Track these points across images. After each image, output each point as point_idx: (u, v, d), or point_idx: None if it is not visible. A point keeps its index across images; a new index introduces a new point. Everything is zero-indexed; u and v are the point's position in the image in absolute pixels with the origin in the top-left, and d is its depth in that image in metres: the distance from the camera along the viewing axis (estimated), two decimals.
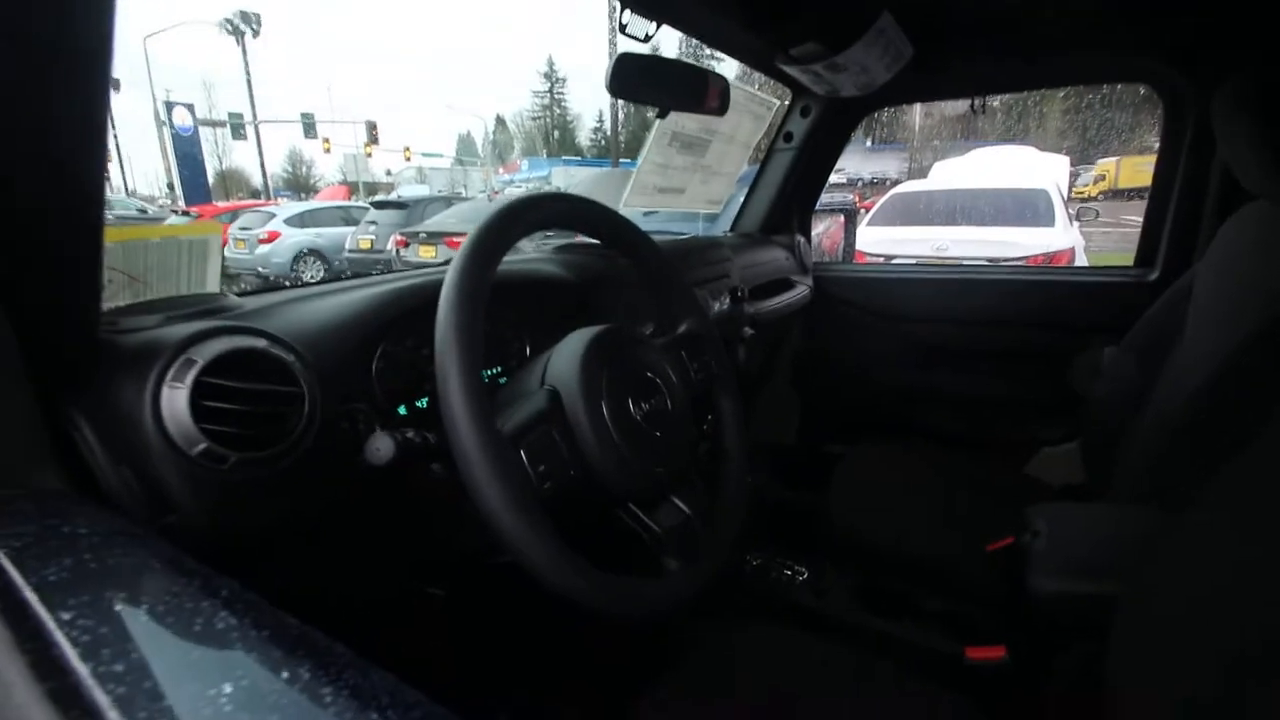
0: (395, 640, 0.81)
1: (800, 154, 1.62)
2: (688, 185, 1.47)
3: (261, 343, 0.52)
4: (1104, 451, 1.16)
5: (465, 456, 0.47)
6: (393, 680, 0.28)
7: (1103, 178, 17.36)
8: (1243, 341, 0.85)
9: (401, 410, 0.72)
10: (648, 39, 1.08)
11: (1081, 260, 4.54)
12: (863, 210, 6.20)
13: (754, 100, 1.47)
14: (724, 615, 1.06)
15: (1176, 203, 1.35)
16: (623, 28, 1.05)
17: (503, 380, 0.82)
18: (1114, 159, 17.23)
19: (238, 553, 0.55)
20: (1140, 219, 1.50)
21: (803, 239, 1.71)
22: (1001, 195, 5.25)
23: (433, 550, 0.73)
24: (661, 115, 1.11)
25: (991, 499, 1.19)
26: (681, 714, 0.70)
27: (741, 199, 1.76)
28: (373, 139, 19.98)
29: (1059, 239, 4.59)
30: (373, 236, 8.18)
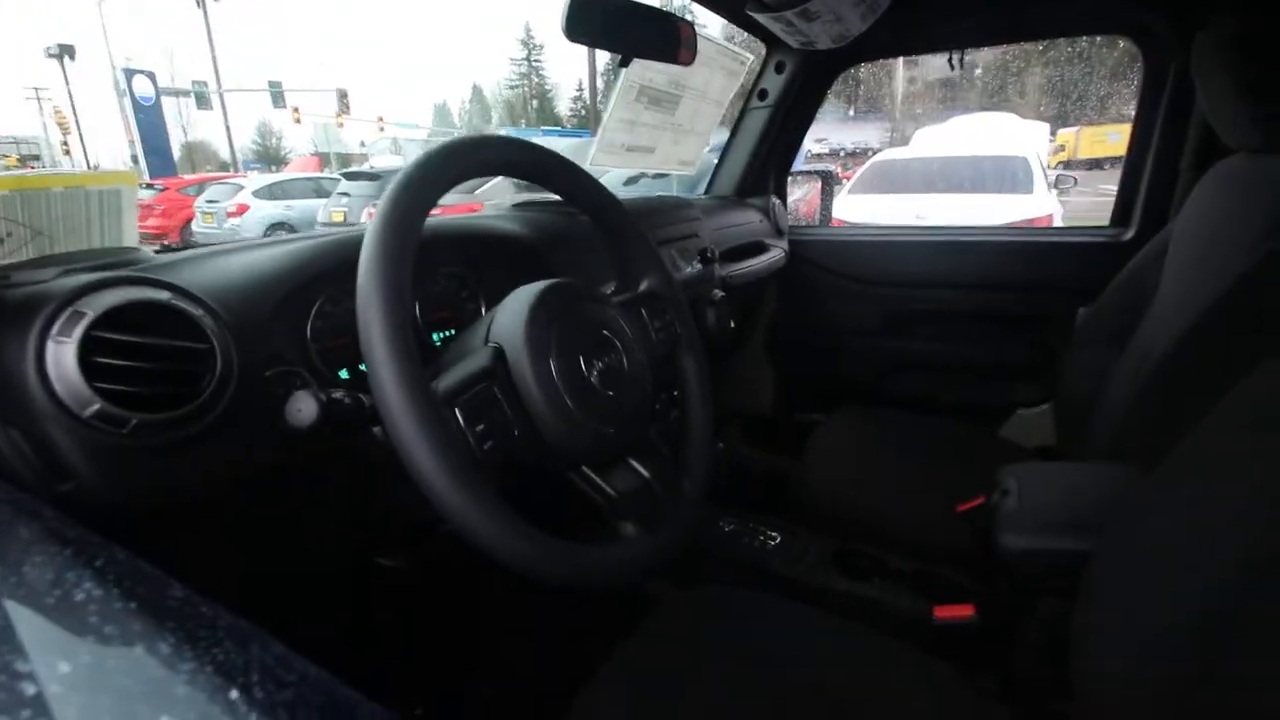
0: (347, 615, 0.77)
1: (775, 112, 1.57)
2: (658, 144, 1.41)
3: (164, 295, 0.48)
4: (1077, 412, 1.15)
5: (391, 415, 0.43)
6: (281, 652, 0.25)
7: (1062, 148, 17.47)
8: (1215, 298, 0.84)
9: (343, 374, 0.68)
10: None
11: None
12: (843, 181, 6.16)
13: (726, 54, 1.41)
14: (695, 580, 1.04)
15: (1154, 160, 1.33)
16: None
17: None
18: (1074, 129, 17.31)
19: (156, 523, 0.51)
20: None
21: (778, 201, 1.66)
22: (981, 162, 5.25)
23: (383, 520, 0.69)
24: (623, 63, 1.05)
25: (966, 462, 1.18)
26: (651, 676, 0.68)
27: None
28: (344, 108, 19.35)
29: (1037, 206, 4.60)
30: (345, 209, 7.96)
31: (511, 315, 0.56)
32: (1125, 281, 1.14)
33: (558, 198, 0.68)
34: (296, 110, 19.31)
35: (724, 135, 1.70)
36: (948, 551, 0.99)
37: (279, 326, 0.59)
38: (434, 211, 0.59)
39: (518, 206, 1.01)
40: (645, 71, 1.25)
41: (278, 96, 19.53)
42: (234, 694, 0.21)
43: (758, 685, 0.66)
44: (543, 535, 0.48)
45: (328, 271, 0.63)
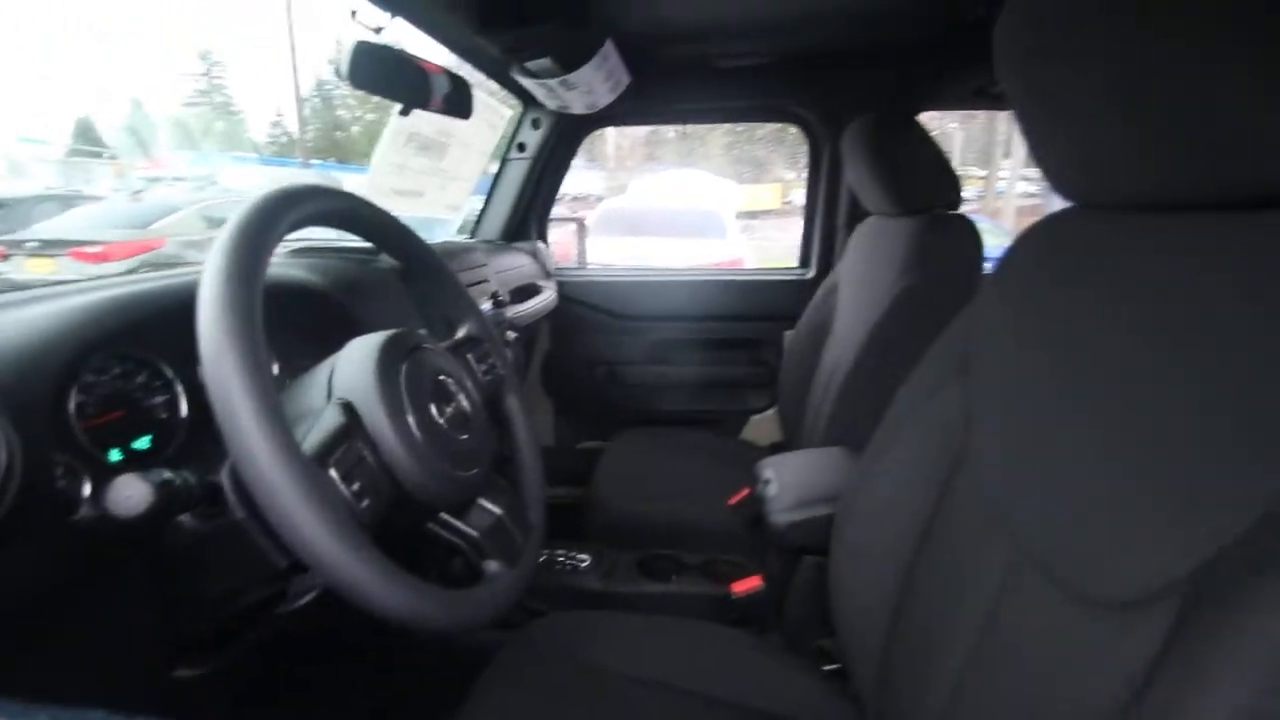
0: None
1: (535, 164, 1.69)
2: (426, 189, 1.42)
3: None
4: (794, 414, 1.47)
5: (270, 485, 0.40)
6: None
7: None
8: (873, 323, 1.17)
9: (115, 456, 0.57)
10: (379, 31, 1.02)
11: (751, 264, 5.60)
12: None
13: (487, 109, 1.49)
14: (516, 613, 1.06)
15: (821, 217, 1.77)
16: (353, 14, 0.97)
17: None
18: (742, 187, 21.39)
19: None
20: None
21: (543, 245, 1.77)
22: (687, 213, 6.26)
23: (185, 621, 0.59)
24: (404, 113, 1.06)
25: (724, 464, 1.41)
26: (507, 710, 0.69)
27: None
28: None
29: (728, 250, 5.65)
30: None
31: (356, 368, 0.55)
32: (813, 311, 1.50)
33: (336, 244, 0.67)
34: None
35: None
36: (728, 538, 1.18)
37: (49, 406, 0.48)
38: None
39: (299, 254, 0.93)
40: (413, 119, 1.26)
41: None
42: None
43: (608, 694, 0.72)
44: (440, 590, 0.48)
45: (102, 336, 0.53)
